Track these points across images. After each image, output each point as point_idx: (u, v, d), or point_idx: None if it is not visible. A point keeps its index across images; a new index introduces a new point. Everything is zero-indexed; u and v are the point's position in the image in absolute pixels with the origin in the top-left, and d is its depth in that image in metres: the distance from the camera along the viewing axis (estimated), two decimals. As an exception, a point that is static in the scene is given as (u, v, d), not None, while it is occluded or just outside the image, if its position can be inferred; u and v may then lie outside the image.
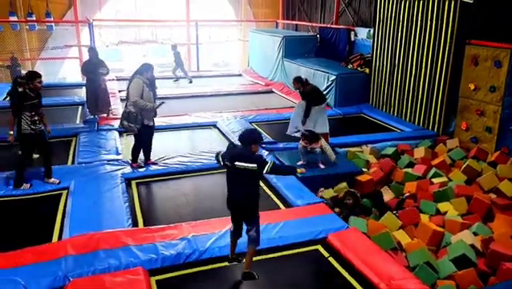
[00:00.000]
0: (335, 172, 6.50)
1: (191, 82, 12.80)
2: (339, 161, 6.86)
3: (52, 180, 5.83)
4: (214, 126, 8.79)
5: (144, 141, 6.40)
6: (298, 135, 7.07)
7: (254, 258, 4.15)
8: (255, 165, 3.73)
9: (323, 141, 6.54)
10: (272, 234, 4.67)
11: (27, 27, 15.42)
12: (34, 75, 5.48)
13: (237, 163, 3.78)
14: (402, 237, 5.15)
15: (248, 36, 15.82)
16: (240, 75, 14.73)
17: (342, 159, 7.04)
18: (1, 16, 14.68)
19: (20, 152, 5.56)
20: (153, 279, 4.02)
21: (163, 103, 6.38)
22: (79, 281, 3.83)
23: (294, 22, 16.54)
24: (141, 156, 6.52)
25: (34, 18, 15.28)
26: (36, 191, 5.65)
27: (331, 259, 4.41)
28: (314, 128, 6.97)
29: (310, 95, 7.11)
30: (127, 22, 17.50)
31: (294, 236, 4.71)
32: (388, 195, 6.24)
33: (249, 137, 3.86)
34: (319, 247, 4.62)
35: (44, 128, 5.74)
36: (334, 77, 10.13)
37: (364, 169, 6.79)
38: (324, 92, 10.34)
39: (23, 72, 13.07)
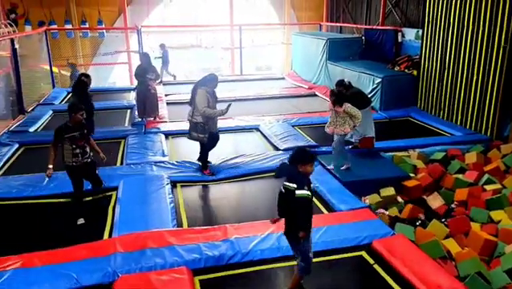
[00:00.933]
0: (381, 176, 6.34)
1: (160, 82, 12.80)
2: (385, 166, 6.69)
3: None
4: (257, 129, 8.84)
5: (208, 148, 6.51)
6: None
7: (295, 263, 4.15)
8: (295, 186, 3.50)
9: (347, 106, 6.31)
10: (314, 239, 4.60)
11: (81, 34, 16.30)
12: (76, 107, 5.11)
13: (284, 183, 3.63)
14: (452, 246, 4.93)
15: (291, 39, 15.79)
16: (283, 78, 14.74)
17: (388, 164, 6.86)
18: (58, 24, 15.62)
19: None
20: (196, 279, 4.10)
21: (230, 105, 6.43)
22: (127, 277, 3.97)
23: (339, 25, 16.32)
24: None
25: (87, 26, 16.14)
26: (88, 190, 5.92)
27: (376, 266, 4.30)
28: (360, 131, 7.00)
29: (353, 99, 7.00)
30: (172, 28, 18.02)
31: (338, 241, 4.64)
32: (437, 202, 5.99)
33: (293, 156, 3.66)
34: (364, 253, 4.52)
35: (96, 157, 5.38)
36: (379, 80, 9.89)
37: (411, 174, 6.57)
38: (369, 95, 10.13)
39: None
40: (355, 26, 15.15)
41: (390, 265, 4.24)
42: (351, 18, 15.95)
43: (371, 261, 4.39)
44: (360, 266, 4.36)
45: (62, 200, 5.72)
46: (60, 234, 4.94)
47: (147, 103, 8.94)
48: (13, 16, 13.98)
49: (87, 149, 5.21)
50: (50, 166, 5.02)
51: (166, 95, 11.39)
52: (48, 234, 4.98)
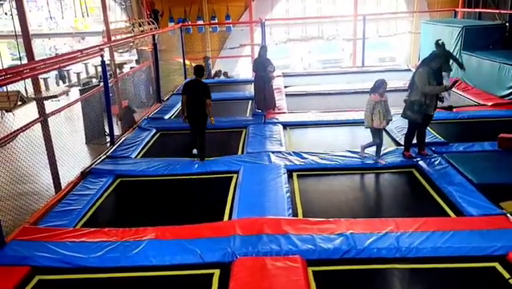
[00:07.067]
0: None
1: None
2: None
3: None
4: (377, 123, 8.45)
5: (417, 128, 6.53)
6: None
7: (415, 266, 4.01)
8: None
9: None
10: (439, 243, 4.29)
11: (210, 29, 17.53)
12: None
13: None
14: None
15: (420, 28, 14.69)
16: (408, 70, 13.80)
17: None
18: (191, 21, 17.05)
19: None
20: (310, 269, 4.12)
21: (456, 82, 6.50)
22: (245, 259, 4.18)
23: (477, 10, 14.66)
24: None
25: (216, 21, 17.29)
26: (212, 170, 6.45)
27: (512, 281, 3.82)
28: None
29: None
30: (295, 20, 18.22)
31: (466, 248, 4.22)
32: None
33: None
34: (497, 265, 4.05)
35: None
36: (526, 71, 8.66)
37: None
38: (512, 89, 9.05)
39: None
40: (497, 11, 13.44)
41: (530, 282, 3.73)
42: (492, 2, 14.19)
43: (507, 275, 3.90)
44: (492, 279, 3.91)
45: (191, 177, 6.35)
46: (187, 210, 5.47)
47: (267, 96, 9.20)
48: (155, 16, 15.62)
49: None
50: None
51: (285, 87, 11.58)
52: (177, 209, 5.54)
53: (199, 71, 6.80)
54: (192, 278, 4.11)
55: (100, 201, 5.79)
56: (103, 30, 10.90)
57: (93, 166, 6.69)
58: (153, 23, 13.74)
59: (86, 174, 6.42)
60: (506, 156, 6.39)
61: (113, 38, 10.63)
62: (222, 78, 15.08)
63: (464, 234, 4.40)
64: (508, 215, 4.75)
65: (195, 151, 6.95)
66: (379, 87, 6.23)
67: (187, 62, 14.34)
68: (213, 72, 15.57)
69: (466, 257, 4.16)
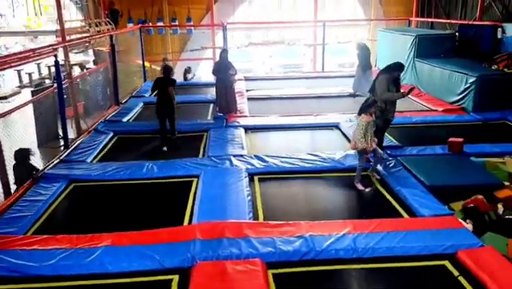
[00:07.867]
0: (470, 183, 5.86)
1: None
2: (476, 172, 6.19)
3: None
4: (336, 127, 8.67)
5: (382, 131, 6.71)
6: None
7: (371, 266, 4.13)
8: None
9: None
10: (393, 243, 4.44)
11: (171, 32, 17.31)
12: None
13: None
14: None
15: (377, 36, 15.21)
16: (366, 75, 14.24)
17: (479, 170, 6.34)
18: (152, 22, 16.77)
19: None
20: (270, 272, 4.14)
21: (413, 88, 6.97)
22: (205, 264, 4.14)
23: (430, 20, 15.37)
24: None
25: (177, 23, 17.09)
26: (172, 175, 6.36)
27: (461, 279, 4.01)
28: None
29: None
30: (256, 25, 18.36)
31: (418, 248, 4.40)
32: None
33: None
34: (447, 263, 4.24)
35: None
36: (473, 79, 9.14)
37: (506, 183, 5.99)
38: (461, 95, 9.56)
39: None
40: (448, 21, 14.17)
41: (478, 279, 3.93)
42: (443, 12, 14.94)
43: (456, 272, 4.10)
44: (442, 277, 4.09)
45: (149, 181, 6.23)
46: (146, 215, 5.34)
47: (228, 99, 9.19)
48: (114, 17, 15.17)
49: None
50: None
51: (247, 91, 11.62)
52: (135, 214, 5.39)
53: (167, 70, 7.64)
54: (150, 285, 4.03)
55: (53, 207, 5.55)
56: (58, 29, 10.51)
57: (45, 170, 6.41)
58: (110, 23, 13.38)
59: (37, 179, 6.14)
60: (455, 159, 6.72)
61: (68, 38, 10.26)
62: (191, 79, 14.74)
63: (416, 234, 4.58)
64: (456, 216, 4.99)
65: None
66: (370, 107, 5.86)
67: (146, 64, 14.07)
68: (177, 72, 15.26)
69: (419, 256, 4.33)
